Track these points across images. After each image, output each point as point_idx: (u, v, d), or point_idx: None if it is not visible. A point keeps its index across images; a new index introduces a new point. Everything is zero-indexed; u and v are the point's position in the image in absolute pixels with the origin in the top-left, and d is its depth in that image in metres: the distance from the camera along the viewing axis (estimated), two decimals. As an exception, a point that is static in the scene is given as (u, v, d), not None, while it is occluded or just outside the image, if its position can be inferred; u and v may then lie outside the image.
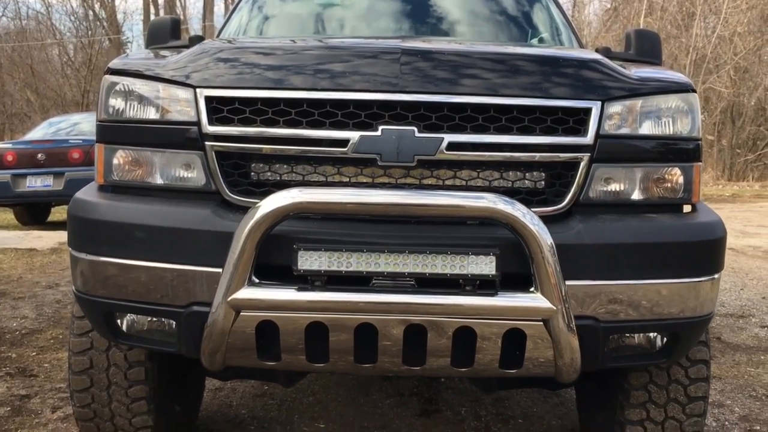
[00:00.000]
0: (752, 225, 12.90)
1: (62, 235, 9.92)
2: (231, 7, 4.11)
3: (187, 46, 3.95)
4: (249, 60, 2.31)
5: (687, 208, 2.41)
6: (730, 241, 10.18)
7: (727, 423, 3.59)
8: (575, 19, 28.56)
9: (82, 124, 12.42)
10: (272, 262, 2.09)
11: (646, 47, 3.98)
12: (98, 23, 34.47)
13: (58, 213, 13.38)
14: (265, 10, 4.11)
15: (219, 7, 35.88)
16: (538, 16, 4.01)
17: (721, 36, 27.43)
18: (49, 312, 5.67)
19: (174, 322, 2.24)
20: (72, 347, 2.68)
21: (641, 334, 2.31)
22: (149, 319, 2.33)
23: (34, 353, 4.54)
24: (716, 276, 2.29)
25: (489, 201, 2.02)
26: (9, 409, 3.55)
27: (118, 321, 2.36)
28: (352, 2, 4.08)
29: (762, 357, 4.77)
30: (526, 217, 2.02)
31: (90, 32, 33.94)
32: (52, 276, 7.24)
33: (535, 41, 3.75)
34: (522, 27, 3.94)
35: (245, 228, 2.01)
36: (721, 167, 28.06)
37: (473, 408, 3.64)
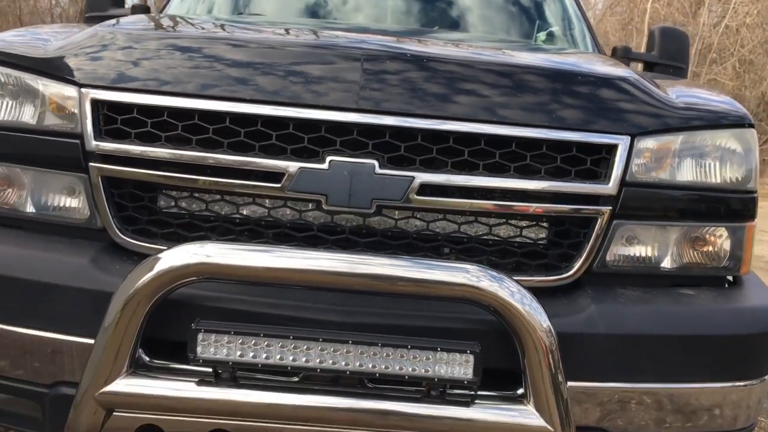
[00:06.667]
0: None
1: None
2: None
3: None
4: (159, 53, 1.69)
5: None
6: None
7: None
8: None
9: None
10: (165, 334, 1.52)
11: (671, 49, 3.37)
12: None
13: None
14: None
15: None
16: (549, 6, 3.38)
17: (729, 26, 26.74)
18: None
19: (38, 405, 1.66)
20: None
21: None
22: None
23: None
24: (767, 377, 1.72)
25: (470, 276, 1.44)
26: None
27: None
28: None
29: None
30: (516, 297, 1.44)
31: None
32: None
33: (542, 35, 3.13)
34: (530, 17, 3.30)
35: (122, 298, 1.43)
36: (719, 162, 27.55)
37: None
